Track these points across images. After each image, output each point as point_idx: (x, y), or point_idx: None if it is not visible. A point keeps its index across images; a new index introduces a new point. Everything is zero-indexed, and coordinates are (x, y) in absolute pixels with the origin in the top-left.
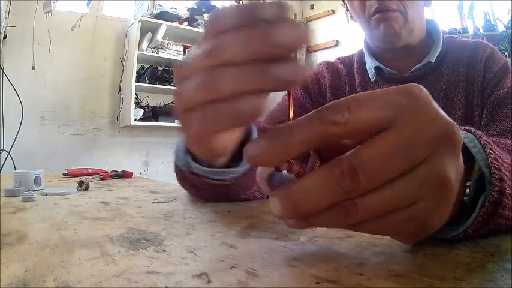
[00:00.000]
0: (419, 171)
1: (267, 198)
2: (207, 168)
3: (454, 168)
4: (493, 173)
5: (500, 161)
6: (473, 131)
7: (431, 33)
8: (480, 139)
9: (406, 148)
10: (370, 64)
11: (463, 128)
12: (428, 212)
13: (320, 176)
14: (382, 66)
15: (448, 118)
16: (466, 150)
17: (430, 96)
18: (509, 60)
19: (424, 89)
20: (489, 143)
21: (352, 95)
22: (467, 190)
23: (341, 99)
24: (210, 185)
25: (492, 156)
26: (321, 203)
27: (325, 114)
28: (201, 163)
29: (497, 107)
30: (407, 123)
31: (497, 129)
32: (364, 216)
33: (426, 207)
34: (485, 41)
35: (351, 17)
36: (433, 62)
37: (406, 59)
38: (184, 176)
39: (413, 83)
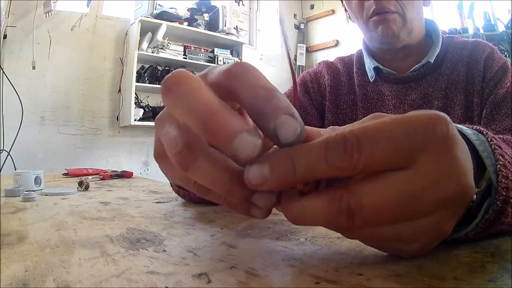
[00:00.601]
0: (421, 222)
1: None
2: None
3: (454, 222)
4: (500, 182)
5: (509, 167)
6: (484, 132)
7: (430, 33)
8: (491, 143)
9: (413, 200)
10: (369, 64)
11: (474, 127)
12: (418, 249)
13: (318, 204)
14: (381, 67)
15: (467, 175)
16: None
17: (456, 134)
18: (509, 60)
19: (451, 123)
20: (500, 147)
21: (363, 126)
22: (474, 197)
23: (349, 130)
24: (199, 198)
25: (501, 163)
26: (315, 222)
27: (331, 156)
28: None
29: (496, 107)
30: (422, 172)
31: (497, 128)
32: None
33: (418, 247)
34: (484, 41)
35: (350, 17)
36: (432, 62)
37: (405, 59)
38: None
39: (438, 112)
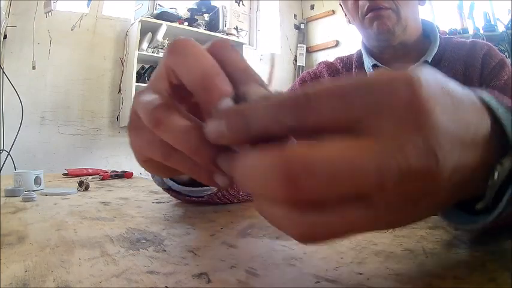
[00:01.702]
0: (369, 205)
1: None
2: (183, 187)
3: (416, 211)
4: None
5: None
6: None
7: (428, 33)
8: None
9: (361, 171)
10: (368, 63)
11: (501, 100)
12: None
13: (257, 159)
14: (379, 64)
15: (440, 149)
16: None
17: (431, 97)
18: (509, 60)
19: (421, 85)
20: None
21: (320, 86)
22: (496, 175)
23: (305, 90)
24: (189, 200)
25: None
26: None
27: (282, 114)
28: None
29: None
30: (375, 138)
31: None
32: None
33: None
34: (482, 41)
35: (349, 21)
36: (429, 61)
37: (403, 59)
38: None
39: (405, 72)
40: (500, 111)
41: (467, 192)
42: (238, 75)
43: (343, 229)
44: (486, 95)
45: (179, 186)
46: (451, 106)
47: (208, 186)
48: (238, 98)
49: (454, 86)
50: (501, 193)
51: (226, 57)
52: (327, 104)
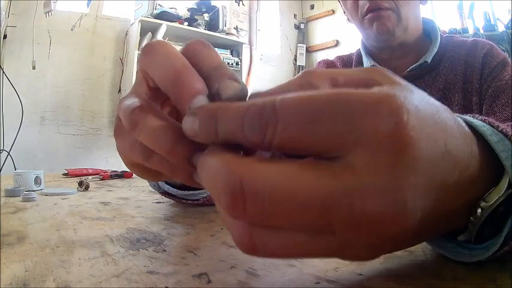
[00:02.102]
0: (323, 239)
1: None
2: (179, 191)
3: (372, 253)
4: None
5: None
6: (505, 131)
7: (429, 32)
8: None
9: (323, 203)
10: (367, 63)
11: (487, 120)
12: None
13: (212, 164)
14: (378, 66)
15: (416, 192)
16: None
17: (416, 128)
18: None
19: (408, 111)
20: None
21: (289, 97)
22: (479, 211)
23: (271, 99)
24: (185, 203)
25: None
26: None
27: (247, 127)
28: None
29: (496, 99)
30: (347, 170)
31: (497, 119)
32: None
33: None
34: (483, 39)
35: (348, 19)
36: (429, 61)
37: (403, 59)
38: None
39: (389, 92)
40: (495, 140)
41: (450, 227)
42: (211, 72)
43: (289, 252)
44: (480, 122)
45: (174, 189)
46: (438, 143)
47: (202, 189)
48: (212, 96)
49: (446, 115)
50: (496, 222)
51: (199, 56)
52: (297, 126)
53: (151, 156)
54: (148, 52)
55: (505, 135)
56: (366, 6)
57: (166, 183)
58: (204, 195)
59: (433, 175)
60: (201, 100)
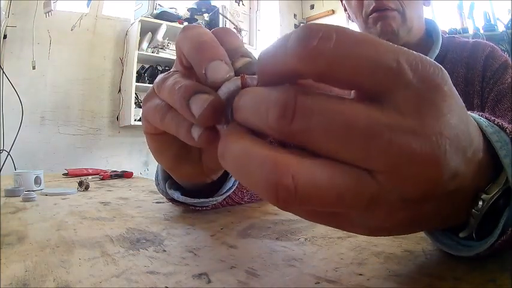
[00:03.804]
0: (364, 181)
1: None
2: (187, 198)
3: (405, 213)
4: None
5: None
6: (508, 131)
7: (431, 33)
8: None
9: (367, 141)
10: None
11: (491, 118)
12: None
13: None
14: None
15: (449, 152)
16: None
17: (456, 101)
18: (510, 58)
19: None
20: None
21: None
22: (480, 203)
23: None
24: (192, 209)
25: None
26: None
27: (271, 114)
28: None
29: (498, 103)
30: (392, 110)
31: None
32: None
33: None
34: (485, 41)
35: (349, 17)
36: None
37: None
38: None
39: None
40: (490, 131)
41: (457, 216)
42: (232, 53)
43: (328, 197)
44: (477, 115)
45: (184, 197)
46: (463, 115)
47: (212, 197)
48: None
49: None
50: (493, 219)
51: (223, 38)
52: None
53: (167, 114)
54: (184, 30)
55: (501, 127)
56: (372, 6)
57: (175, 189)
58: (214, 203)
59: (461, 139)
60: (219, 65)
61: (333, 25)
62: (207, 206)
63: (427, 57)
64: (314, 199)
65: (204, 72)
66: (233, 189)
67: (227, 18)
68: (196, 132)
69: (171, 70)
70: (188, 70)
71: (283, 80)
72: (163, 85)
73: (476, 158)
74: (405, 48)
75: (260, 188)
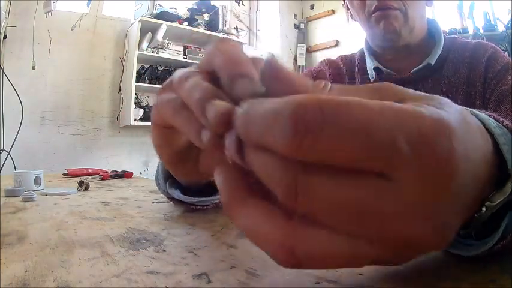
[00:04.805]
0: (362, 247)
1: None
2: (188, 197)
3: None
4: None
5: None
6: (508, 125)
7: (433, 33)
8: None
9: (370, 214)
10: (370, 64)
11: (500, 119)
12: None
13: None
14: (381, 67)
15: (449, 228)
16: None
17: (460, 151)
18: (510, 58)
19: (456, 137)
20: None
21: (339, 100)
22: (483, 209)
23: (314, 97)
24: (193, 209)
25: None
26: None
27: (278, 128)
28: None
29: (500, 104)
30: (396, 189)
31: None
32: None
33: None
34: (487, 42)
35: (351, 15)
36: (432, 64)
37: (407, 60)
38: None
39: (444, 117)
40: (498, 133)
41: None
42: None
43: (329, 255)
44: (489, 119)
45: (184, 196)
46: (474, 163)
47: (214, 195)
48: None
49: (472, 123)
50: (494, 221)
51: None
52: (345, 127)
53: (181, 111)
54: (219, 42)
55: (509, 129)
56: (374, 5)
57: (176, 188)
58: (215, 201)
59: (468, 197)
60: (248, 82)
61: (321, 98)
62: (208, 205)
63: (427, 116)
64: (315, 265)
65: (231, 84)
66: None
67: (239, 20)
68: (205, 135)
69: (192, 69)
70: (210, 76)
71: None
72: (184, 82)
73: (484, 178)
74: (402, 115)
75: (268, 253)
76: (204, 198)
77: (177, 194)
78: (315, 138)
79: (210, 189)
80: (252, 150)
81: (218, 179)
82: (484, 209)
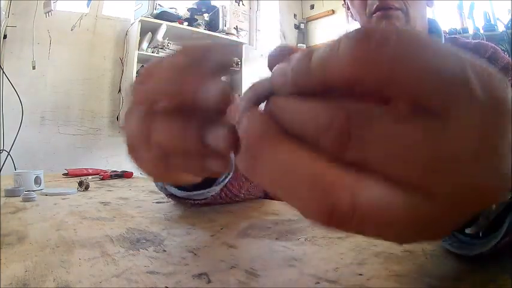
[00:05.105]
0: (418, 198)
1: (262, 198)
2: (185, 192)
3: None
4: None
5: None
6: None
7: (433, 33)
8: None
9: (428, 155)
10: None
11: None
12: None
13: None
14: None
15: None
16: None
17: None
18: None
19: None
20: None
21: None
22: (493, 205)
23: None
24: (191, 204)
25: None
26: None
27: (322, 139)
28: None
29: None
30: (452, 126)
31: None
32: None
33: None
34: (487, 42)
35: (351, 15)
36: None
37: None
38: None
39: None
40: None
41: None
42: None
43: (388, 222)
44: None
45: (181, 192)
46: None
47: (210, 187)
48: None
49: None
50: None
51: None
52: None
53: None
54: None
55: None
56: (375, 5)
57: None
58: (212, 193)
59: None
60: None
61: (390, 28)
62: (206, 199)
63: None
64: (371, 221)
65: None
66: (230, 175)
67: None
68: (215, 164)
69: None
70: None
71: (333, 87)
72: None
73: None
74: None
75: (309, 208)
76: (202, 191)
77: (174, 190)
78: (377, 63)
79: (206, 184)
80: (293, 98)
81: (244, 122)
82: (494, 205)
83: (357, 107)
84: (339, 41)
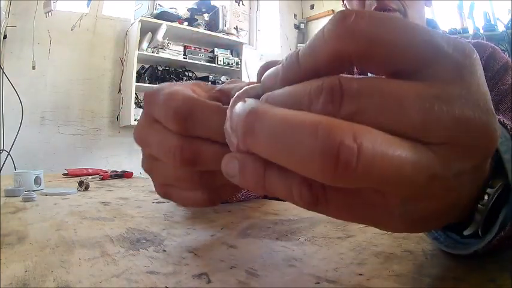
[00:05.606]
0: (422, 153)
1: (262, 197)
2: None
3: (467, 175)
4: None
5: None
6: (509, 127)
7: None
8: None
9: (418, 111)
10: None
11: (498, 118)
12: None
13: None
14: None
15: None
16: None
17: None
18: (510, 58)
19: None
20: None
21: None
22: (486, 197)
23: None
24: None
25: None
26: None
27: (316, 102)
28: None
29: (499, 103)
30: (436, 82)
31: None
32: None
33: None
34: (486, 42)
35: None
36: None
37: None
38: None
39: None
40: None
41: (461, 211)
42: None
43: (393, 171)
44: None
45: None
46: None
47: None
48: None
49: None
50: (490, 218)
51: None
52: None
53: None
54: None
55: (502, 124)
56: (373, 6)
57: None
58: None
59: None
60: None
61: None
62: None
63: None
64: (376, 169)
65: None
66: None
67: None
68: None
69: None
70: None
71: (322, 71)
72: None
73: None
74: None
75: (312, 158)
76: None
77: None
78: (361, 29)
79: None
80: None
81: (236, 106)
82: (486, 197)
83: (345, 75)
84: (323, 27)
